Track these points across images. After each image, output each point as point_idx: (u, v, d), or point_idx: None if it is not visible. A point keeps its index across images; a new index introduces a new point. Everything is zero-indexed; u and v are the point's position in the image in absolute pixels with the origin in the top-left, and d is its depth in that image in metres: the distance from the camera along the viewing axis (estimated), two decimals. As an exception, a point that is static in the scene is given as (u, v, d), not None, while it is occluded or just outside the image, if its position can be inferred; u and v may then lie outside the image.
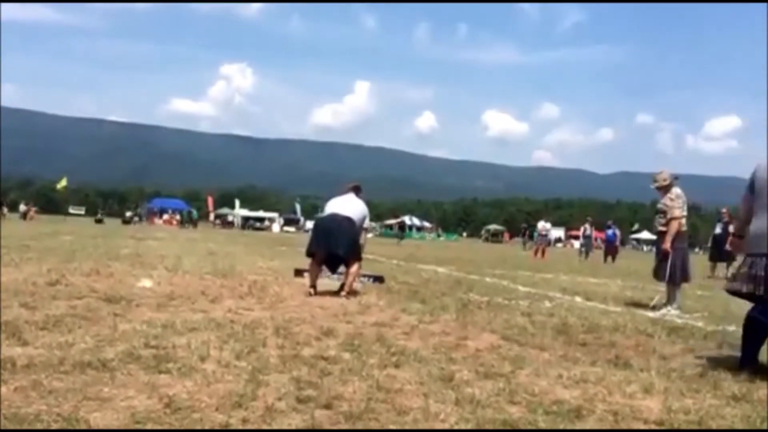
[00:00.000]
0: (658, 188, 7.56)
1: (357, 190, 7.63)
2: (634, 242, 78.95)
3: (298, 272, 9.03)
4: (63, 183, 51.84)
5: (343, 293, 7.05)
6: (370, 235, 9.27)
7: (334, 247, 7.16)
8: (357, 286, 7.67)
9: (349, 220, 7.26)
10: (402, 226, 36.14)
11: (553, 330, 5.45)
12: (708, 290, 10.97)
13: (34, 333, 4.03)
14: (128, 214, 53.33)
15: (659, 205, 7.60)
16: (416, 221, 79.98)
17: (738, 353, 4.37)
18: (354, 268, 7.24)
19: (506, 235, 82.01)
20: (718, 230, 16.57)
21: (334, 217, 7.25)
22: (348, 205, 7.38)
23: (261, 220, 72.54)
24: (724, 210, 17.44)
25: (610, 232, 24.48)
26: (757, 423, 3.07)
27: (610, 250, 23.88)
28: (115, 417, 2.60)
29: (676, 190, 7.45)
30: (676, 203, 7.34)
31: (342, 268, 7.62)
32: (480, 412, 2.94)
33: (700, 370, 4.09)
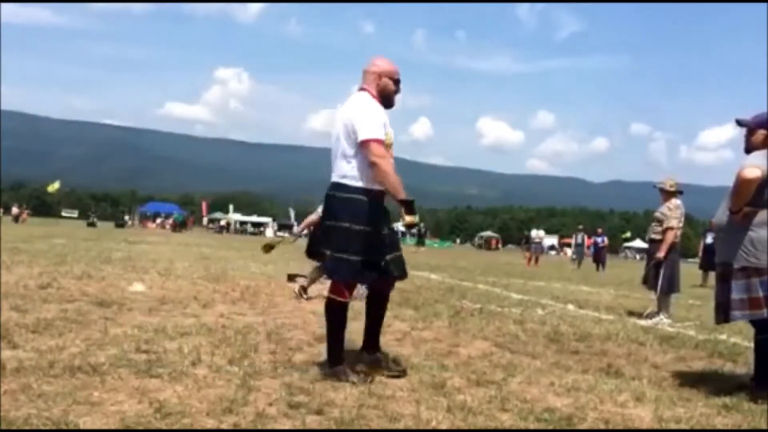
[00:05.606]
0: (661, 190, 7.57)
1: None
2: (627, 251, 79.15)
3: (291, 277, 9.03)
4: (56, 186, 51.67)
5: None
6: None
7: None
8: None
9: None
10: (421, 232, 36.75)
11: (545, 338, 5.46)
12: (699, 299, 11.01)
13: (24, 336, 4.01)
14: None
15: (656, 213, 7.64)
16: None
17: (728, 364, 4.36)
18: None
19: (493, 242, 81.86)
20: (709, 240, 16.77)
21: None
22: None
23: (255, 225, 72.55)
24: (713, 220, 17.92)
25: (599, 239, 24.99)
26: (748, 432, 3.08)
27: (599, 256, 24.24)
28: (105, 421, 2.59)
29: (676, 201, 7.48)
30: (673, 213, 7.37)
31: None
32: (471, 419, 2.94)
33: (691, 379, 4.10)
